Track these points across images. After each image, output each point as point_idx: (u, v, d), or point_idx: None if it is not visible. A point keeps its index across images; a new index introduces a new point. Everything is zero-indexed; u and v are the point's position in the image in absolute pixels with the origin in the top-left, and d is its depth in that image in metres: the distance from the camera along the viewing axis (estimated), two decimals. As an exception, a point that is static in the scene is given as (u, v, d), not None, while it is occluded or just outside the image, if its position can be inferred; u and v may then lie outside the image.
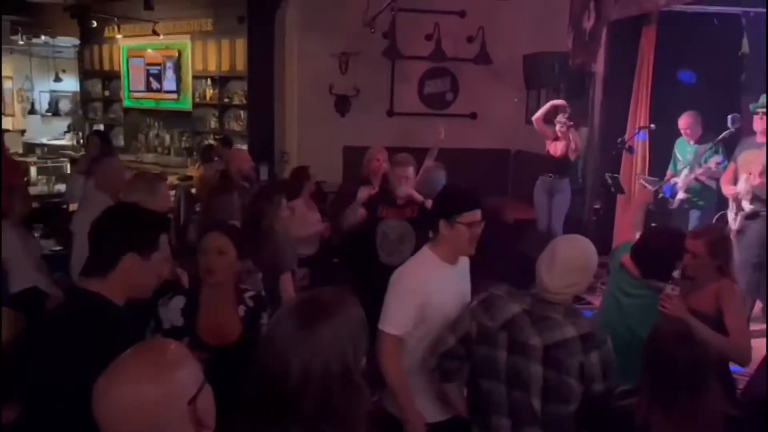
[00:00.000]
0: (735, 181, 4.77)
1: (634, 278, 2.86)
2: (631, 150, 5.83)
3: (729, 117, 4.80)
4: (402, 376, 2.38)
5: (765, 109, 4.51)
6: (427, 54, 7.46)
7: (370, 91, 7.70)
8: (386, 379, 2.38)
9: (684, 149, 5.41)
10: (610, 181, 5.56)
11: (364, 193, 4.47)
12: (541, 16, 7.46)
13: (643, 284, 2.82)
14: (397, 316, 2.36)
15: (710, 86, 5.85)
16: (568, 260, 2.12)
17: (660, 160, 5.73)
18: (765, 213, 4.28)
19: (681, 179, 5.33)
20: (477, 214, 2.40)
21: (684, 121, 5.35)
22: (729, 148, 5.13)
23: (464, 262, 2.55)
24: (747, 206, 4.49)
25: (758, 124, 4.60)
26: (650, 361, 1.95)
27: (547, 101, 7.53)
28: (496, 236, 6.58)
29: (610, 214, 6.19)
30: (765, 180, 4.35)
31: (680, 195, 5.31)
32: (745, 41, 6.22)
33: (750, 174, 4.50)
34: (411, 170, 4.13)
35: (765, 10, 6.03)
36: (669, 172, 5.36)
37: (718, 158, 5.12)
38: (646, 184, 5.32)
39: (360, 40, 7.26)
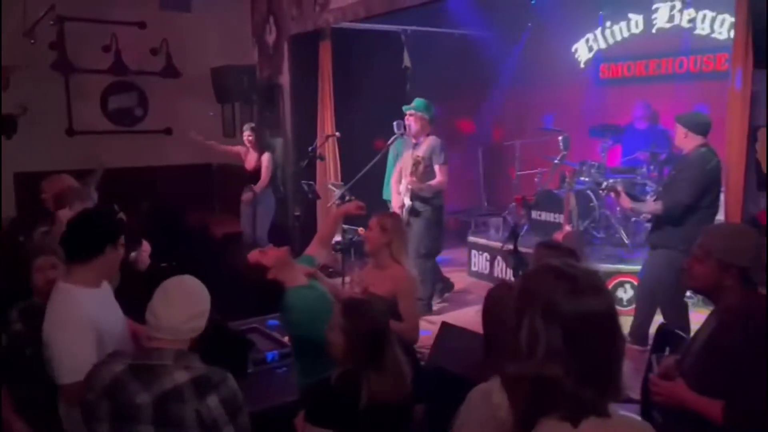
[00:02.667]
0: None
1: None
2: (321, 157, 6.19)
3: (394, 123, 5.36)
4: None
5: (414, 111, 5.11)
6: (107, 67, 6.91)
7: (41, 109, 6.82)
8: None
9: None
10: (306, 188, 5.82)
11: None
12: (226, 29, 7.48)
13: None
14: (78, 361, 2.08)
15: (381, 96, 6.53)
16: (172, 296, 1.95)
17: (348, 165, 6.19)
18: (425, 210, 4.88)
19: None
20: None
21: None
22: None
23: (106, 284, 2.39)
24: (407, 202, 5.07)
25: (410, 124, 5.12)
26: (352, 339, 2.18)
27: (241, 113, 7.63)
28: (206, 252, 6.49)
29: (311, 219, 6.50)
30: (414, 178, 4.94)
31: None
32: (406, 56, 7.12)
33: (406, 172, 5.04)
34: (78, 205, 3.87)
35: (421, 28, 7.00)
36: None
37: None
38: (334, 189, 5.68)
39: (22, 52, 6.37)
